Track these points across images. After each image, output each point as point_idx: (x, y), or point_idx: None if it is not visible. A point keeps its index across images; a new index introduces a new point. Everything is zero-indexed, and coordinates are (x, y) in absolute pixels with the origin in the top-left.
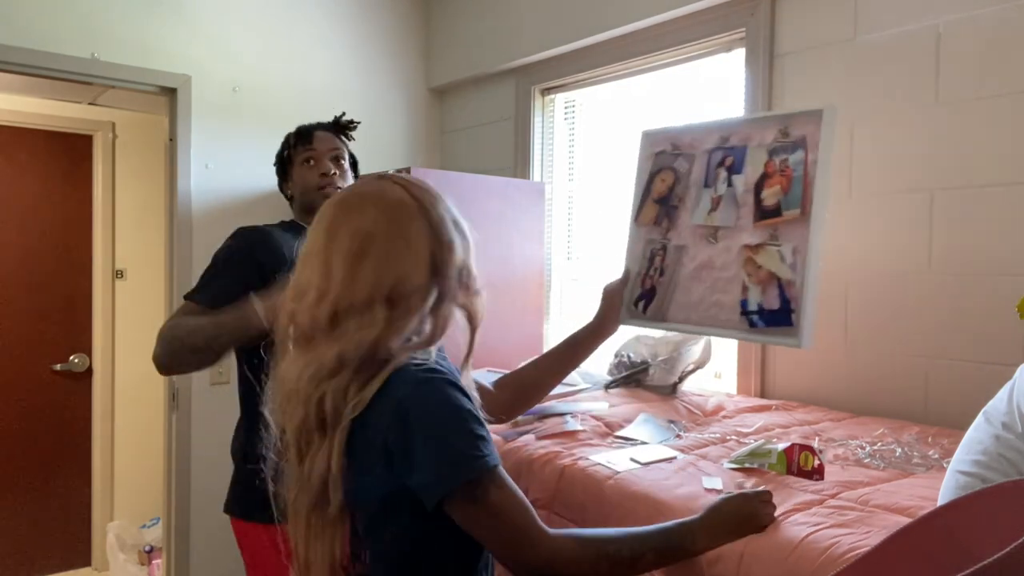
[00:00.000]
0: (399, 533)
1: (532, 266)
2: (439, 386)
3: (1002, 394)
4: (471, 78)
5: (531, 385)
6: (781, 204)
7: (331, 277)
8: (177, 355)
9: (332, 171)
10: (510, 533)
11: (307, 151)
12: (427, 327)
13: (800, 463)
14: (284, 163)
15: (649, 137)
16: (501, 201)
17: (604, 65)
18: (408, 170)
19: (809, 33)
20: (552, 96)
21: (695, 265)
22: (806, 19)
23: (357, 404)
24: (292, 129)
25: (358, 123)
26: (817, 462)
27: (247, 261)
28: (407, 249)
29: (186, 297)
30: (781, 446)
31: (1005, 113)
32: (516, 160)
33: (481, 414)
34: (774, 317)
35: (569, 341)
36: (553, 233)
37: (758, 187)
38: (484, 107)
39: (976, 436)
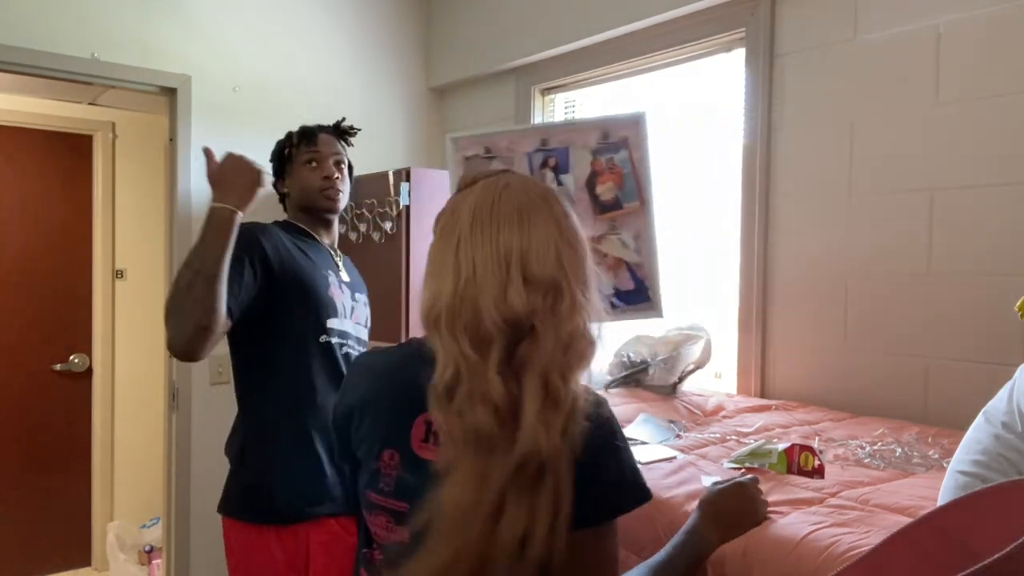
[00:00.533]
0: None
1: None
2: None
3: (1002, 394)
4: (471, 78)
5: None
6: (619, 198)
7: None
8: (181, 313)
9: (335, 175)
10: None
11: (310, 152)
12: None
13: (800, 463)
14: (283, 160)
15: (457, 142)
16: None
17: (604, 65)
18: (408, 170)
19: (809, 33)
20: (552, 96)
21: None
22: (806, 19)
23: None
24: (292, 128)
25: (359, 130)
26: (817, 462)
27: (241, 260)
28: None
29: None
30: (781, 446)
31: (1005, 113)
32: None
33: None
34: (632, 296)
35: None
36: None
37: (590, 184)
38: (484, 107)
39: (976, 436)
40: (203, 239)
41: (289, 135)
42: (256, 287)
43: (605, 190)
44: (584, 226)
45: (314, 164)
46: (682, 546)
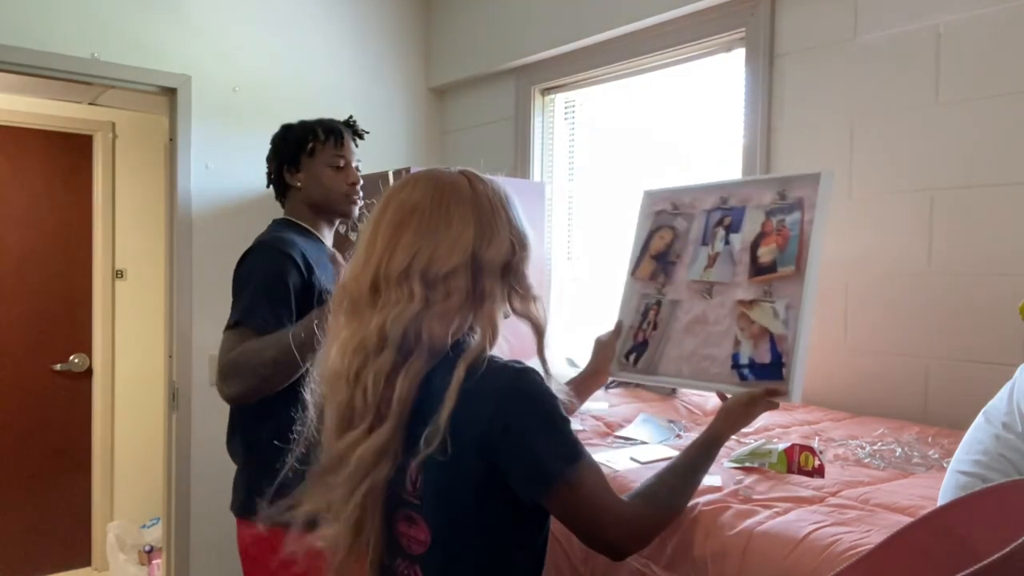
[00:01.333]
0: (486, 527)
1: (532, 265)
2: (538, 377)
3: (1002, 394)
4: (471, 78)
5: None
6: (776, 261)
7: (375, 245)
8: (249, 379)
9: (361, 182)
10: (601, 517)
11: (338, 153)
12: (477, 326)
13: (800, 463)
14: (299, 152)
15: (650, 196)
16: None
17: (604, 65)
18: (408, 170)
19: (809, 33)
20: (552, 96)
21: (689, 319)
22: (806, 19)
23: (439, 399)
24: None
25: (367, 132)
26: (817, 462)
27: (284, 284)
28: (447, 228)
29: (234, 326)
30: (781, 446)
31: (1005, 113)
32: (516, 160)
33: None
34: (765, 371)
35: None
36: (553, 233)
37: (754, 245)
38: (484, 107)
39: (976, 436)
40: (308, 333)
41: (312, 128)
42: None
43: (766, 252)
44: (739, 288)
45: (341, 165)
46: (698, 448)
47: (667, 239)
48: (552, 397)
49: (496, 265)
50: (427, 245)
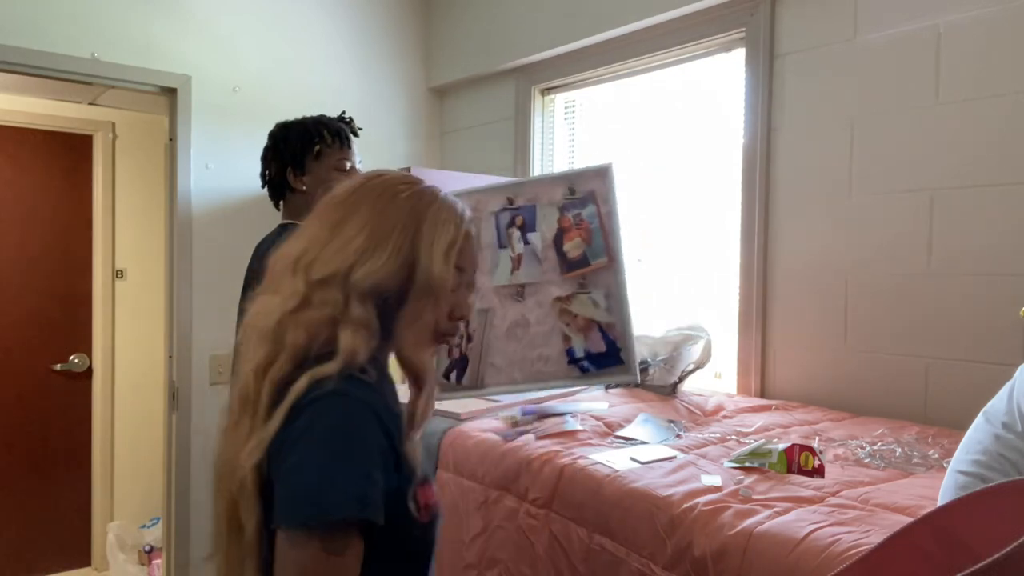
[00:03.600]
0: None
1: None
2: (351, 407)
3: (1002, 394)
4: (471, 78)
5: None
6: (587, 254)
7: (306, 230)
8: None
9: None
10: None
11: (345, 154)
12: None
13: (800, 463)
14: (304, 155)
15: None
16: None
17: (604, 65)
18: (408, 170)
19: (809, 33)
20: (552, 96)
21: (507, 325)
22: (806, 19)
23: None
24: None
25: (361, 129)
26: (817, 462)
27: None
28: (340, 229)
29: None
30: (781, 446)
31: (1005, 113)
32: (516, 160)
33: (385, 458)
34: (603, 360)
35: None
36: None
37: (557, 242)
38: (484, 107)
39: (976, 436)
40: None
41: (317, 129)
42: None
43: (572, 247)
44: (553, 285)
45: (347, 168)
46: None
47: None
48: (350, 435)
49: (362, 289)
50: (319, 241)
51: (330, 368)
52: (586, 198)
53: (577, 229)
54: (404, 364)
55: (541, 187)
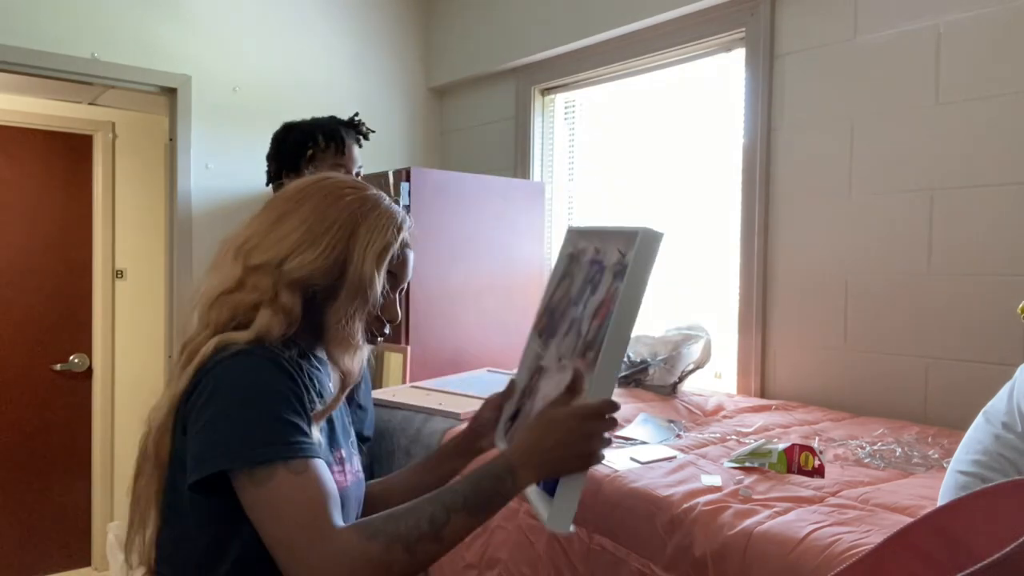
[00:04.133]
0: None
1: (532, 266)
2: (256, 362)
3: (1002, 394)
4: (471, 78)
5: (377, 501)
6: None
7: (255, 219)
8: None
9: None
10: (285, 531)
11: (339, 160)
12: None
13: (800, 463)
14: (299, 157)
15: (571, 235)
16: (501, 201)
17: (604, 65)
18: (408, 170)
19: (809, 33)
20: (552, 96)
21: (542, 394)
22: (806, 19)
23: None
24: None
25: (373, 131)
26: (817, 462)
27: None
28: (280, 223)
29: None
30: (781, 446)
31: (1005, 113)
32: (516, 160)
33: (308, 411)
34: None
35: (433, 456)
36: (553, 233)
37: (593, 315)
38: (484, 107)
39: (976, 436)
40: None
41: (312, 133)
42: None
43: (593, 328)
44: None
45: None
46: (474, 480)
47: (565, 291)
48: (263, 386)
49: (291, 279)
50: (260, 232)
51: (240, 336)
52: (624, 269)
53: (605, 306)
54: (331, 359)
55: (611, 241)
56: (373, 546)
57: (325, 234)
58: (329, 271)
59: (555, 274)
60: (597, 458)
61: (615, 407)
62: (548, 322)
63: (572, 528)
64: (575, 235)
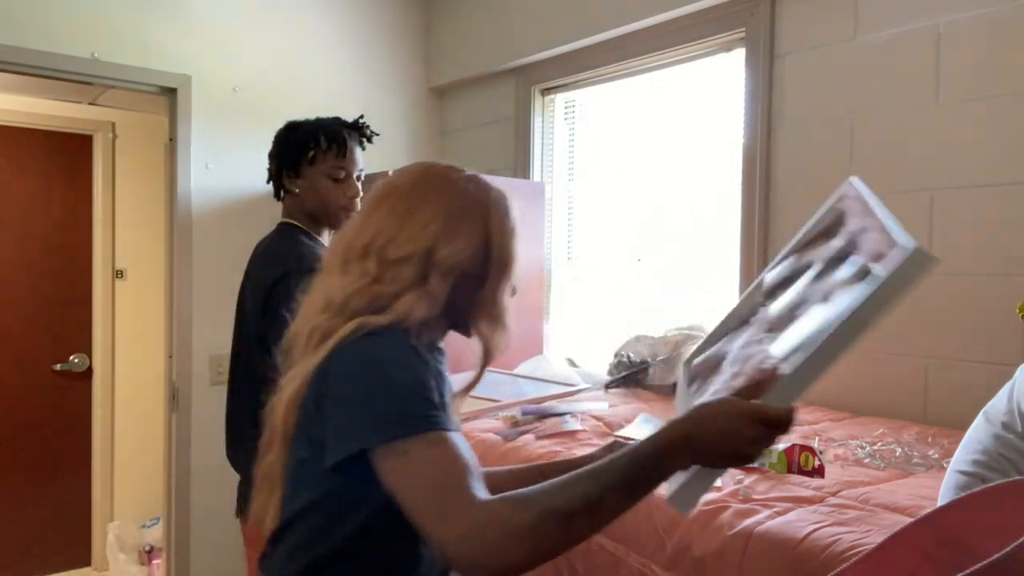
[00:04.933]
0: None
1: (532, 266)
2: (394, 342)
3: (1002, 394)
4: (471, 78)
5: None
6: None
7: (355, 219)
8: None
9: (360, 195)
10: (429, 498)
11: (340, 163)
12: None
13: (800, 463)
14: (300, 158)
15: (848, 187)
16: None
17: (604, 65)
18: None
19: (809, 33)
20: (552, 96)
21: (733, 357)
22: (806, 19)
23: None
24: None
25: (377, 134)
26: (817, 462)
27: None
28: (414, 215)
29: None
30: (781, 446)
31: (1005, 113)
32: (516, 160)
33: (444, 393)
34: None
35: (530, 468)
36: (553, 233)
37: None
38: (484, 107)
39: (976, 436)
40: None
41: (314, 133)
42: None
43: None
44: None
45: (341, 177)
46: (633, 457)
47: (818, 246)
48: (398, 365)
49: (446, 266)
50: (390, 227)
51: (380, 319)
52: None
53: None
54: (480, 336)
55: (877, 232)
56: (525, 516)
57: (463, 220)
58: (476, 254)
59: (819, 222)
60: (751, 462)
61: (794, 418)
62: (783, 276)
63: (693, 510)
64: (851, 186)
